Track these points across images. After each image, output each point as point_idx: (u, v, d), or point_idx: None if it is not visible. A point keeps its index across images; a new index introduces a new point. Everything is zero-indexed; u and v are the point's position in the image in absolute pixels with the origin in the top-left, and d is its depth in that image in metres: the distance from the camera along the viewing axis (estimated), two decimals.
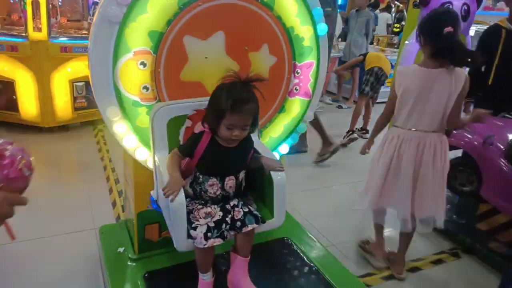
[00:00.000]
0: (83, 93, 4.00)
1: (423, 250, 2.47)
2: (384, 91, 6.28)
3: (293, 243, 2.05)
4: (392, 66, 6.55)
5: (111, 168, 3.33)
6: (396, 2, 11.24)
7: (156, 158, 1.50)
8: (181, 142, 1.58)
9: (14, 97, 3.80)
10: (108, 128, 1.54)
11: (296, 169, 3.53)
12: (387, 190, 2.08)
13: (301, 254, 1.96)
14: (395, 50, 7.10)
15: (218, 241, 1.40)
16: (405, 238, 2.23)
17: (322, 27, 1.81)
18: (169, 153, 1.49)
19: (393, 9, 11.01)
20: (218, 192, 1.48)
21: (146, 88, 1.53)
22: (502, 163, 2.32)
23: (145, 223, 1.84)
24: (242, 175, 1.54)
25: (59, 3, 4.50)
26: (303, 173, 3.59)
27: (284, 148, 1.98)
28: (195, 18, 1.51)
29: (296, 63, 1.81)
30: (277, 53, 1.74)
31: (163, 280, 1.76)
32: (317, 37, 1.81)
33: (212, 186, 1.47)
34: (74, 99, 3.96)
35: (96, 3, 4.28)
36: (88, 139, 3.98)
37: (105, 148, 3.76)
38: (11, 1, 4.26)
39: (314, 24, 1.78)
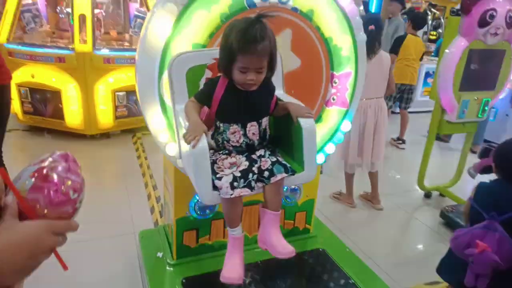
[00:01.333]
0: (123, 102, 4.16)
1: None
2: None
3: (329, 254, 2.03)
4: (431, 75, 6.40)
5: (149, 175, 3.44)
6: (432, 9, 10.96)
7: (177, 112, 1.42)
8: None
9: (60, 105, 4.01)
10: (154, 137, 1.60)
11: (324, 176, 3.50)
12: (360, 146, 2.97)
13: (337, 266, 1.95)
14: (432, 58, 6.91)
15: (246, 191, 1.29)
16: (374, 176, 3.17)
17: (361, 37, 1.80)
18: None
19: (429, 16, 10.74)
20: (241, 140, 1.36)
21: None
22: None
23: (183, 229, 1.89)
24: (265, 121, 1.41)
25: (102, 16, 4.77)
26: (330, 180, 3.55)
27: (321, 158, 1.97)
28: None
29: (334, 73, 1.81)
30: (314, 63, 1.76)
31: (200, 286, 1.79)
32: (355, 46, 1.81)
33: (234, 134, 1.36)
34: (116, 108, 4.13)
35: (138, 16, 4.48)
36: (127, 146, 4.14)
37: (144, 155, 3.89)
38: (61, 16, 4.54)
39: (352, 34, 1.78)
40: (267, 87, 1.40)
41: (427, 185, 3.34)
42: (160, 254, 1.99)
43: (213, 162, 1.33)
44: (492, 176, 1.82)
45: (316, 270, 1.92)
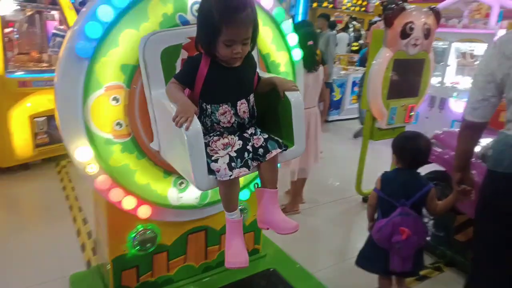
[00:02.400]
0: (44, 129, 3.77)
1: None
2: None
3: (280, 274, 1.98)
4: (357, 84, 6.78)
5: (77, 207, 3.13)
6: (353, 22, 11.75)
7: (154, 97, 1.32)
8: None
9: None
10: (79, 170, 1.42)
11: None
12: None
13: (289, 285, 1.89)
14: (357, 68, 7.36)
15: (244, 171, 1.25)
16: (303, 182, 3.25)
17: (297, 53, 1.80)
18: None
19: (350, 29, 11.48)
20: (232, 120, 1.30)
21: (119, 124, 1.43)
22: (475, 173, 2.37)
23: (121, 269, 1.70)
24: (252, 98, 1.35)
25: (16, 36, 4.32)
26: None
27: None
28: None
29: None
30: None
31: None
32: (292, 62, 1.80)
33: (225, 114, 1.29)
34: (35, 135, 3.73)
35: (57, 35, 4.14)
36: (51, 177, 3.75)
37: (70, 185, 3.54)
38: None
39: (289, 50, 1.77)
40: (250, 62, 1.34)
41: (364, 190, 3.46)
42: None
43: (205, 145, 1.24)
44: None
45: None
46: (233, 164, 1.24)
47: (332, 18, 11.02)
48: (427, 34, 2.91)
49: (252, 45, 1.27)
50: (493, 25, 4.58)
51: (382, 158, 4.30)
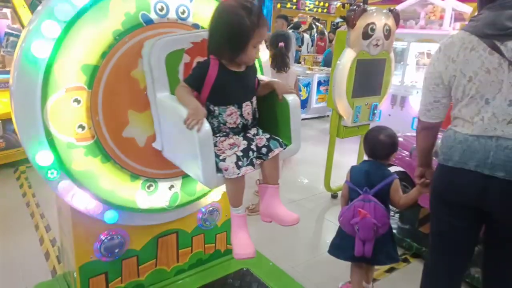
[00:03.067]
0: (0, 133, 3.57)
1: None
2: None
3: (253, 273, 1.98)
4: (322, 83, 6.91)
5: (39, 214, 2.98)
6: (316, 23, 11.98)
7: (158, 100, 1.39)
8: (181, 81, 1.43)
9: None
10: (40, 175, 1.36)
11: None
12: None
13: (263, 283, 1.90)
14: (322, 68, 7.50)
15: (250, 169, 1.33)
16: None
17: (264, 53, 1.81)
18: (170, 93, 1.40)
19: (314, 29, 11.70)
20: (238, 121, 1.40)
21: (82, 127, 1.38)
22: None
23: (89, 276, 1.64)
24: (254, 100, 1.46)
25: None
26: None
27: None
28: (133, 48, 1.42)
29: None
30: None
31: None
32: (260, 64, 1.80)
33: (231, 116, 1.38)
34: None
35: (10, 34, 3.92)
36: (9, 183, 3.55)
37: (30, 192, 3.37)
38: None
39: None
40: (253, 67, 1.45)
41: (333, 187, 3.53)
42: None
43: (213, 145, 1.31)
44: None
45: None
46: (240, 163, 1.32)
47: (296, 19, 11.20)
48: (388, 34, 3.01)
49: None
50: (447, 26, 4.82)
51: (349, 155, 4.43)
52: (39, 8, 1.28)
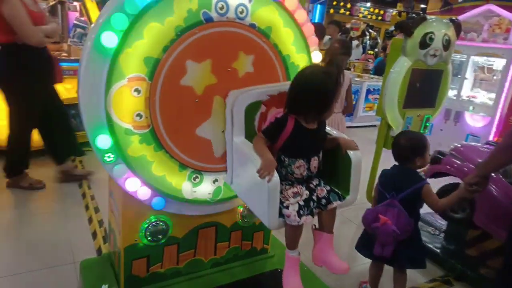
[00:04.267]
0: None
1: (414, 278, 2.45)
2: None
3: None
4: (371, 92, 6.75)
5: (90, 196, 3.17)
6: (370, 30, 11.72)
7: (235, 142, 1.56)
8: (256, 127, 1.63)
9: None
10: (98, 157, 1.45)
11: None
12: None
13: None
14: (372, 76, 7.33)
15: (309, 219, 1.48)
16: None
17: (316, 55, 1.81)
18: (245, 138, 1.57)
19: (367, 36, 11.46)
20: (304, 173, 1.53)
21: (139, 115, 1.46)
22: (494, 189, 2.35)
23: (132, 258, 1.73)
24: (321, 155, 1.59)
25: None
26: None
27: None
28: (193, 45, 1.48)
29: None
30: (273, 81, 1.72)
31: None
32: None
33: (299, 168, 1.51)
34: None
35: (77, 26, 4.21)
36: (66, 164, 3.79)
37: None
38: None
39: (308, 52, 1.78)
40: (323, 124, 1.59)
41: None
42: (105, 287, 1.80)
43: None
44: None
45: None
46: (301, 212, 1.45)
47: (348, 25, 11.02)
48: (447, 45, 2.89)
49: None
50: None
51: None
52: (109, 1, 1.38)
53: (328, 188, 1.56)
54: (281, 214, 1.45)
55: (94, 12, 4.11)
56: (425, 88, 3.06)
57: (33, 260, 2.28)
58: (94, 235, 2.63)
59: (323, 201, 1.53)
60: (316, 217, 1.59)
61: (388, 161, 3.84)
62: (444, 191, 2.72)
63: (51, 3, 4.49)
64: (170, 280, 1.83)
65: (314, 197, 1.52)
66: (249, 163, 1.46)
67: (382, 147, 3.21)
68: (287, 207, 1.45)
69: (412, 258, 1.97)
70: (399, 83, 2.84)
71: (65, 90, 3.78)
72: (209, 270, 1.93)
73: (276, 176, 1.38)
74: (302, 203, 1.47)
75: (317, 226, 1.63)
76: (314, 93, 1.43)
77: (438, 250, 2.68)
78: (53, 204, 3.07)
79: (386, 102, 2.92)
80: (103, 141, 1.42)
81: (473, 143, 2.96)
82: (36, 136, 3.69)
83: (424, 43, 2.78)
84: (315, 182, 1.57)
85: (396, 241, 1.90)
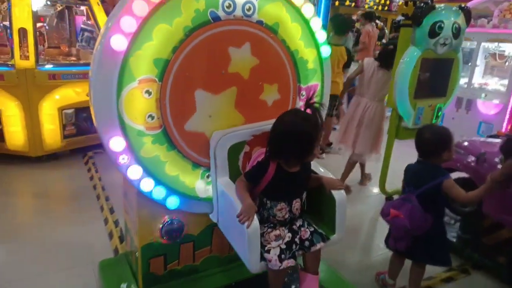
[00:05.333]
0: (72, 120, 3.88)
1: (432, 268, 2.43)
2: None
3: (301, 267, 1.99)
4: None
5: (104, 197, 3.22)
6: (377, 20, 11.56)
7: (219, 184, 1.57)
8: (241, 167, 1.65)
9: (0, 126, 3.66)
10: (112, 159, 1.47)
11: None
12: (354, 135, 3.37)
13: None
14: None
15: (291, 262, 1.46)
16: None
17: (326, 49, 1.80)
18: (229, 178, 1.58)
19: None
20: (286, 216, 1.53)
21: (151, 116, 1.47)
22: None
23: (149, 257, 1.75)
24: (304, 196, 1.60)
25: (46, 30, 4.46)
26: None
27: None
28: (201, 45, 1.48)
29: (301, 85, 1.79)
30: (281, 76, 1.72)
31: None
32: (320, 59, 1.80)
33: (281, 211, 1.52)
34: (63, 126, 3.84)
35: (85, 30, 4.25)
36: (78, 167, 3.86)
37: (97, 176, 3.64)
38: None
39: (317, 47, 1.78)
40: (307, 166, 1.58)
41: (388, 189, 3.42)
42: (124, 286, 1.84)
43: (260, 236, 1.44)
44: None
45: (292, 287, 1.86)
46: (282, 256, 1.45)
47: (354, 17, 10.88)
48: (457, 33, 2.84)
49: None
50: None
51: (407, 158, 4.24)
52: (118, 4, 1.39)
53: (312, 229, 1.55)
54: (263, 257, 1.45)
55: (100, 15, 4.14)
56: (435, 78, 3.02)
57: (52, 261, 2.32)
58: (111, 235, 2.67)
59: (307, 243, 1.52)
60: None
61: (400, 152, 3.82)
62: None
63: (59, 9, 4.53)
64: (187, 277, 1.86)
65: (297, 239, 1.51)
66: (231, 206, 1.47)
67: (394, 138, 3.18)
68: (268, 251, 1.44)
69: (432, 254, 1.95)
70: (409, 73, 2.80)
71: (76, 93, 3.82)
72: (225, 267, 1.95)
73: (255, 221, 1.38)
74: (284, 246, 1.47)
75: (302, 265, 1.65)
76: (293, 141, 1.44)
77: (454, 239, 2.66)
78: (69, 207, 3.12)
79: (397, 93, 2.89)
80: (117, 143, 1.44)
81: (474, 138, 2.91)
82: (48, 140, 3.77)
83: (434, 32, 2.74)
84: (298, 223, 1.56)
85: (411, 236, 1.89)
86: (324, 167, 1.71)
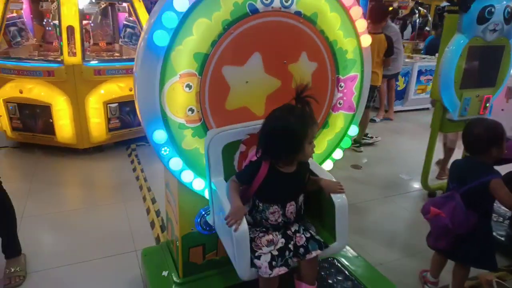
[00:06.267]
0: (116, 114, 4.06)
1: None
2: None
3: (340, 263, 1.97)
4: (423, 73, 6.40)
5: (147, 188, 3.34)
6: (419, 7, 11.06)
7: (213, 184, 1.49)
8: (236, 167, 1.56)
9: (51, 120, 3.89)
10: (155, 151, 1.52)
11: None
12: None
13: (350, 275, 1.88)
14: (423, 56, 6.94)
15: (283, 270, 1.36)
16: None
17: (366, 39, 1.75)
18: (224, 178, 1.48)
19: (416, 14, 10.82)
20: (279, 220, 1.44)
21: (191, 110, 1.51)
22: None
23: (189, 246, 1.81)
24: (301, 199, 1.50)
25: (91, 27, 4.67)
26: None
27: (328, 165, 1.91)
28: (240, 38, 1.49)
29: (340, 76, 1.76)
30: (320, 68, 1.70)
31: None
32: (360, 49, 1.76)
33: (274, 214, 1.43)
34: (108, 120, 4.02)
35: (127, 26, 4.39)
36: (122, 158, 4.03)
37: (140, 167, 3.79)
38: (48, 28, 4.43)
39: (357, 36, 1.73)
40: (304, 166, 1.49)
41: (431, 185, 3.29)
42: (165, 273, 1.91)
43: (251, 240, 1.38)
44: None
45: (328, 281, 1.85)
46: (273, 263, 1.34)
47: (395, 4, 10.47)
48: (509, 18, 2.66)
49: None
50: None
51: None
52: (160, 0, 1.42)
53: (308, 235, 1.44)
54: (254, 264, 1.36)
55: (142, 11, 4.27)
56: (484, 66, 2.86)
57: (97, 248, 2.45)
58: (152, 224, 2.77)
59: (301, 250, 1.40)
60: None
61: (441, 147, 3.65)
62: (510, 178, 2.53)
63: (103, 6, 4.72)
64: (225, 267, 1.89)
65: (290, 246, 1.40)
66: (221, 208, 1.41)
67: (438, 131, 3.05)
68: (258, 257, 1.35)
69: (475, 256, 1.86)
70: (455, 62, 2.67)
71: (119, 88, 3.98)
72: None
73: (244, 225, 1.29)
74: (275, 252, 1.37)
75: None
76: (279, 137, 1.36)
77: (503, 239, 2.52)
78: (113, 197, 3.28)
79: (442, 83, 2.76)
80: (159, 135, 1.49)
81: None
82: (94, 132, 3.96)
83: (483, 18, 2.59)
84: (293, 228, 1.45)
85: (452, 235, 1.81)
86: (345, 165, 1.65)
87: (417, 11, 10.87)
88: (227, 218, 1.31)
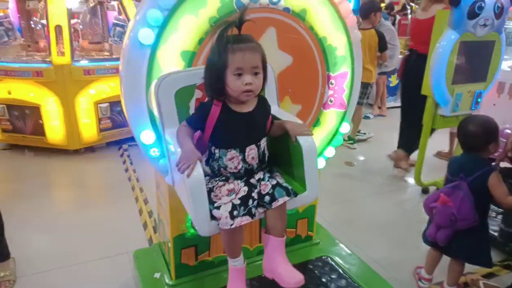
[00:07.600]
0: (107, 114, 4.02)
1: None
2: None
3: (334, 262, 1.96)
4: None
5: (139, 188, 3.31)
6: (411, 3, 11.09)
7: (167, 136, 1.34)
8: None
9: (40, 121, 3.84)
10: (143, 152, 1.49)
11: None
12: None
13: (345, 274, 1.87)
14: None
15: (246, 220, 1.21)
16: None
17: (356, 35, 1.73)
18: None
19: (408, 10, 10.86)
20: (239, 166, 1.29)
21: None
22: None
23: (181, 247, 1.78)
24: (263, 143, 1.34)
25: (80, 27, 4.61)
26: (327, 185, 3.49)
27: (322, 163, 1.89)
28: None
29: (330, 73, 1.74)
30: (310, 65, 1.68)
31: None
32: (350, 45, 1.74)
33: (232, 160, 1.28)
34: (99, 120, 3.98)
35: (117, 25, 4.34)
36: (114, 159, 3.99)
37: (132, 167, 3.75)
38: (38, 27, 4.36)
39: (347, 32, 1.71)
40: (264, 106, 1.34)
41: (424, 181, 3.30)
42: (157, 275, 1.88)
43: (210, 190, 1.26)
44: None
45: (323, 280, 1.84)
46: (235, 212, 1.20)
47: (388, 0, 10.50)
48: (499, 13, 2.66)
49: (264, 81, 1.26)
50: None
51: (445, 148, 4.08)
52: None
53: (274, 182, 1.28)
54: (214, 217, 1.22)
55: (131, 10, 4.22)
56: (475, 62, 2.86)
57: (89, 251, 2.42)
58: (145, 225, 2.75)
59: (267, 198, 1.24)
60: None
61: (438, 142, 3.66)
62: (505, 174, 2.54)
63: (92, 5, 4.66)
64: (218, 268, 1.87)
65: (254, 194, 1.25)
66: (175, 154, 1.26)
67: (430, 127, 3.05)
68: (218, 208, 1.21)
69: (471, 252, 1.87)
70: (446, 58, 2.67)
71: (109, 88, 3.94)
72: (255, 258, 1.95)
73: (198, 169, 1.15)
74: (237, 201, 1.22)
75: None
76: (206, 68, 1.25)
77: (496, 234, 2.53)
78: (105, 198, 3.24)
79: (433, 79, 2.76)
80: (147, 136, 1.46)
81: None
82: (85, 133, 3.91)
83: (473, 13, 2.58)
84: (258, 176, 1.31)
85: (453, 227, 1.81)
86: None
87: (409, 7, 10.90)
88: (178, 163, 1.15)
